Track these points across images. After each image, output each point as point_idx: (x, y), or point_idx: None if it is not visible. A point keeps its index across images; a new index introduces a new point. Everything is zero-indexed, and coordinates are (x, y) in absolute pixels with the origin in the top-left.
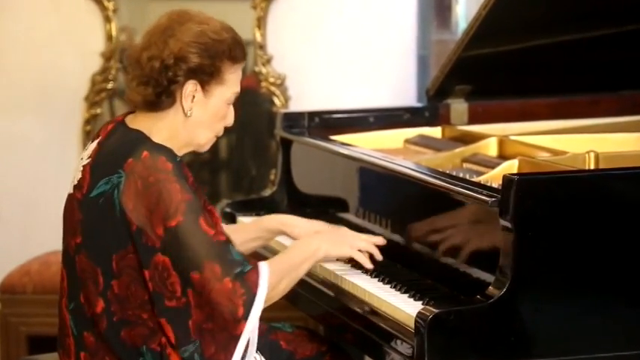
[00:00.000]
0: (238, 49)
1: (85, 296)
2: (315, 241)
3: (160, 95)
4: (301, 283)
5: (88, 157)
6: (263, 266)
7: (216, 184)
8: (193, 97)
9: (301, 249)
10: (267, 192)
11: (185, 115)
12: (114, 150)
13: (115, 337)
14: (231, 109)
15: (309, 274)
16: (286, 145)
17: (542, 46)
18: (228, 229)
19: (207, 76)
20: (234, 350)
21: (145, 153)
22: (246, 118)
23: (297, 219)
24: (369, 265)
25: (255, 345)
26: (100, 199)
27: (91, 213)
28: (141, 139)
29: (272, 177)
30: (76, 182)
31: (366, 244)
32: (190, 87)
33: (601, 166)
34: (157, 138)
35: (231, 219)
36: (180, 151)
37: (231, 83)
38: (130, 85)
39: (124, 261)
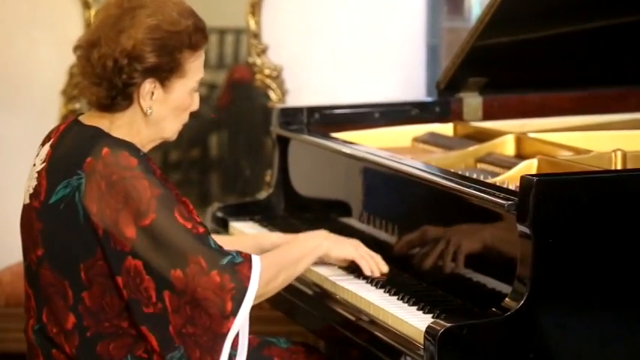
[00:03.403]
0: (199, 34)
1: (49, 314)
2: (316, 238)
3: (114, 97)
4: (299, 295)
5: (42, 162)
6: (255, 259)
7: (206, 185)
8: (152, 93)
9: (301, 245)
10: (263, 194)
11: (145, 114)
12: (70, 150)
13: (89, 353)
14: (197, 95)
15: (308, 284)
16: (283, 143)
17: (564, 35)
18: (221, 240)
19: (166, 72)
20: (221, 350)
21: (105, 150)
22: (240, 113)
23: (294, 237)
24: (369, 272)
25: (247, 341)
26: (61, 204)
27: (52, 221)
28: (99, 135)
29: (268, 178)
30: (31, 191)
31: (370, 254)
32: (148, 86)
33: (628, 166)
34: (116, 134)
35: (223, 224)
36: (146, 147)
37: (192, 73)
38: (82, 83)
39: (93, 270)
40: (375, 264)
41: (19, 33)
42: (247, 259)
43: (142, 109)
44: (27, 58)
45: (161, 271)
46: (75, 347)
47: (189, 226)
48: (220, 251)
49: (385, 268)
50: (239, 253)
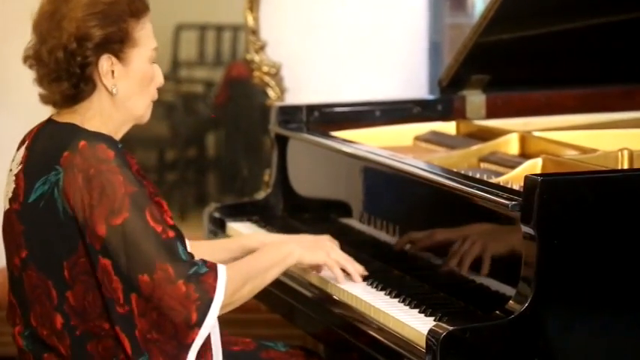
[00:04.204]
0: (138, 2)
1: (37, 316)
2: (287, 246)
3: (77, 85)
4: (298, 297)
5: (19, 165)
6: (221, 269)
7: (203, 185)
8: (113, 71)
9: (271, 253)
10: (261, 195)
11: (111, 94)
12: (46, 148)
13: (81, 352)
14: (157, 66)
15: (307, 286)
16: (282, 142)
17: (569, 31)
18: (206, 245)
19: (117, 44)
20: None
21: (82, 143)
22: (238, 112)
23: (279, 237)
24: (341, 279)
25: (220, 347)
26: (40, 202)
27: (33, 220)
28: (74, 130)
29: (266, 178)
30: (10, 195)
31: (343, 258)
32: (105, 63)
33: (635, 166)
34: (90, 127)
35: (220, 225)
36: (120, 132)
37: (144, 40)
38: (41, 86)
39: (76, 267)
40: (349, 266)
41: (8, 29)
42: (213, 268)
43: (107, 89)
44: (17, 54)
45: (129, 273)
46: (68, 347)
47: (159, 229)
48: (187, 260)
49: (360, 269)
50: (204, 262)
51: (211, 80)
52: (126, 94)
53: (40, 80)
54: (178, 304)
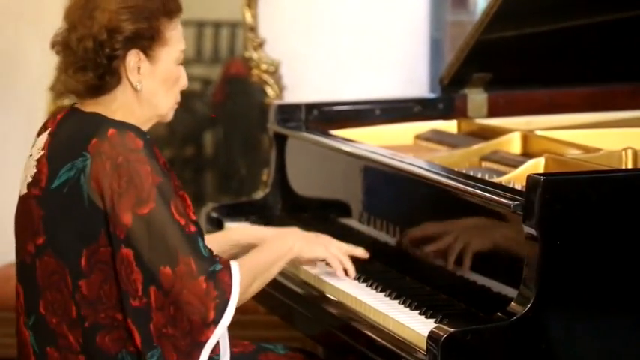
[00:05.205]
0: (172, 2)
1: (48, 303)
2: (288, 240)
3: (102, 77)
4: (296, 298)
5: (41, 150)
6: (234, 266)
7: (200, 185)
8: (139, 68)
9: (274, 247)
10: (259, 194)
11: (135, 89)
12: (73, 134)
13: (91, 344)
14: (182, 69)
15: (306, 287)
16: (280, 141)
17: (573, 28)
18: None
19: (147, 40)
20: (198, 358)
21: (112, 131)
22: (235, 110)
23: (269, 230)
24: (340, 273)
25: (228, 343)
26: (64, 188)
27: (54, 206)
28: (102, 119)
29: (264, 177)
30: (30, 180)
31: (340, 252)
32: (133, 58)
33: (639, 166)
34: (115, 118)
35: (217, 225)
36: (143, 128)
37: (174, 41)
38: (66, 74)
39: (95, 256)
40: (347, 262)
41: (4, 26)
42: (226, 265)
43: (131, 84)
44: (13, 52)
45: (151, 265)
46: (81, 336)
47: (182, 222)
48: (208, 256)
49: (352, 270)
50: (218, 258)
51: (209, 78)
52: (150, 92)
53: (65, 68)
54: (197, 300)
